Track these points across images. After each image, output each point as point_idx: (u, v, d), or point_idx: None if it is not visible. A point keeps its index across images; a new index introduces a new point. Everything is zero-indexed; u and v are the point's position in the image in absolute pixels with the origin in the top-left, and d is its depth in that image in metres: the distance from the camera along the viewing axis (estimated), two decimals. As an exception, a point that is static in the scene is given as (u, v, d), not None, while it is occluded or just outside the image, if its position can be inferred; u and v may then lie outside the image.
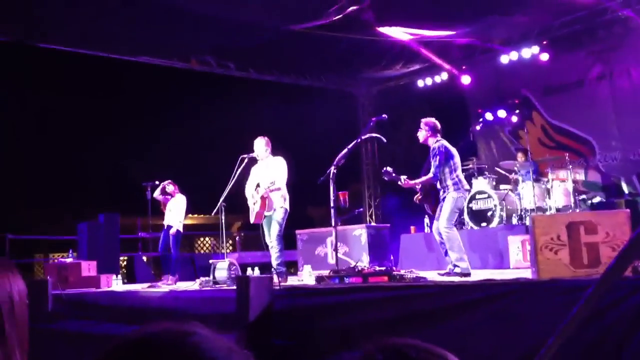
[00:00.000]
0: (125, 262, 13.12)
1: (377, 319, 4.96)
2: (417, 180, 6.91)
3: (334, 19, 9.49)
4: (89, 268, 9.64)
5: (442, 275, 6.49)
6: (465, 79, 12.27)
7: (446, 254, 6.72)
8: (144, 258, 12.59)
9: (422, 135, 6.98)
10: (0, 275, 1.56)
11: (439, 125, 6.99)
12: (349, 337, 5.07)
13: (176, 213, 9.24)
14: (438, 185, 6.86)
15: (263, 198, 7.51)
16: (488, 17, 9.97)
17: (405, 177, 6.92)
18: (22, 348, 1.52)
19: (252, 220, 7.68)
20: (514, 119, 11.92)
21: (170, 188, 9.39)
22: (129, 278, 11.48)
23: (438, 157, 6.77)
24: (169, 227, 9.20)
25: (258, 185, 7.68)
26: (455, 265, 6.54)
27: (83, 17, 9.44)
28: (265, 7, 9.39)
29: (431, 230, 7.25)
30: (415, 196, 7.11)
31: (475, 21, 10.19)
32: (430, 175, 6.77)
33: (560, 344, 1.77)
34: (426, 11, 9.64)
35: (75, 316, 7.96)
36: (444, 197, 6.79)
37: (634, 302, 3.44)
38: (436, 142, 6.88)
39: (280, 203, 7.56)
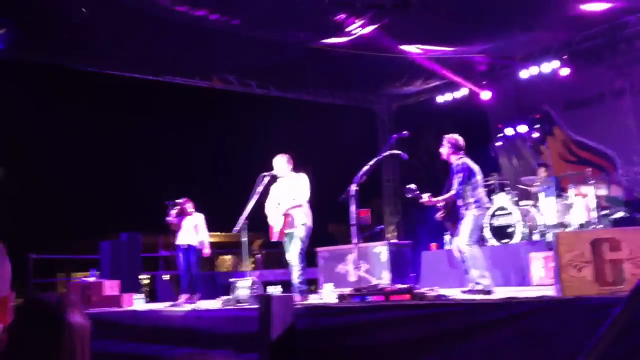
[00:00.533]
0: (147, 281, 13.20)
1: (399, 338, 4.93)
2: (440, 198, 6.87)
3: (355, 36, 9.56)
4: (111, 287, 9.71)
5: (465, 292, 6.45)
6: (486, 95, 12.24)
7: (467, 271, 6.68)
8: (167, 277, 12.65)
9: (444, 151, 6.95)
10: (72, 310, 1.69)
11: (461, 142, 6.96)
12: (371, 357, 5.05)
13: (198, 231, 9.29)
14: (459, 202, 6.82)
15: (285, 215, 7.47)
16: (509, 33, 9.98)
17: (427, 194, 6.89)
18: None
19: (274, 238, 7.66)
20: (535, 134, 11.86)
21: (189, 207, 9.44)
22: (151, 297, 11.54)
23: (461, 174, 6.74)
24: (190, 246, 9.22)
25: (279, 204, 7.66)
26: (477, 283, 6.50)
27: (105, 37, 9.61)
28: (286, 25, 9.48)
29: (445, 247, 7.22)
30: (438, 213, 7.07)
31: (497, 37, 10.19)
32: (453, 192, 6.74)
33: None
34: (447, 28, 9.67)
35: (99, 335, 8.01)
36: (465, 215, 6.77)
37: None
38: (459, 159, 6.85)
39: (303, 220, 7.50)
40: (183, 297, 9.02)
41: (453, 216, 6.94)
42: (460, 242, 6.71)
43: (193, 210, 9.48)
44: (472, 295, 6.21)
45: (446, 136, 7.03)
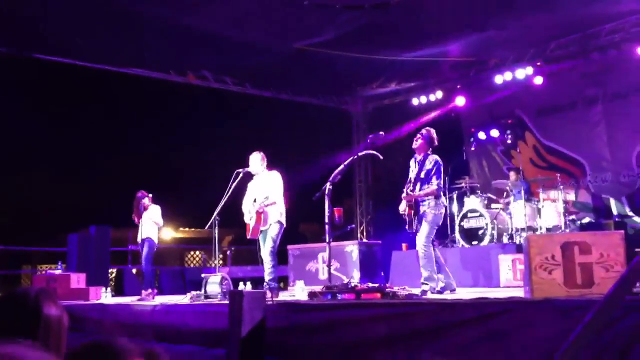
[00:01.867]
0: (114, 275, 13.03)
1: (370, 336, 4.94)
2: (421, 193, 6.81)
3: (333, 36, 9.57)
4: (78, 280, 9.57)
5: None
6: (460, 101, 12.36)
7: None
8: (134, 270, 12.51)
9: (419, 145, 6.95)
10: (48, 302, 1.69)
11: (435, 137, 7.02)
12: (341, 354, 5.05)
13: (154, 224, 9.12)
14: (424, 200, 6.83)
15: (258, 213, 7.51)
16: (485, 37, 10.06)
17: (406, 189, 6.89)
18: None
19: (248, 235, 7.66)
20: (507, 138, 12.00)
21: (146, 201, 9.16)
22: (118, 291, 11.39)
23: (436, 169, 6.78)
24: (144, 240, 9.05)
25: (255, 201, 7.67)
26: (424, 283, 6.60)
27: (83, 29, 9.46)
28: (264, 24, 9.44)
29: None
30: (403, 208, 6.99)
31: (472, 41, 10.28)
32: (434, 187, 6.75)
33: (571, 352, 1.78)
34: (424, 30, 9.72)
35: (64, 328, 7.87)
36: (425, 212, 6.80)
37: (629, 323, 3.45)
38: (432, 155, 6.91)
39: (276, 218, 7.55)
40: (144, 293, 8.78)
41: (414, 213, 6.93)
42: (418, 241, 6.76)
43: (150, 203, 9.20)
44: (423, 295, 6.30)
45: (423, 130, 7.04)
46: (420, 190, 6.83)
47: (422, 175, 6.84)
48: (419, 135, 7.01)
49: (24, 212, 17.15)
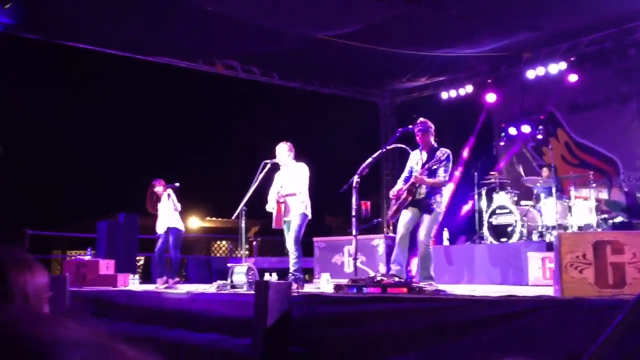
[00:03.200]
0: (142, 262, 13.18)
1: (394, 330, 4.91)
2: (430, 180, 6.60)
3: (362, 27, 9.50)
4: (107, 266, 9.70)
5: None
6: (491, 97, 12.22)
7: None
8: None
9: (427, 137, 6.80)
10: (16, 272, 1.56)
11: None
12: (365, 348, 5.04)
13: (174, 212, 8.94)
14: (432, 195, 6.67)
15: (278, 203, 7.53)
16: (517, 32, 9.92)
17: (418, 172, 6.67)
18: None
19: (273, 225, 7.68)
20: (539, 135, 11.83)
21: (160, 189, 8.99)
22: (146, 278, 11.52)
23: (446, 162, 6.64)
24: (170, 228, 8.91)
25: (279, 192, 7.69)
26: (425, 279, 6.48)
27: (109, 17, 9.52)
28: (293, 13, 9.41)
29: (416, 240, 6.90)
30: (403, 196, 6.76)
31: (504, 37, 10.14)
32: (442, 179, 6.62)
33: (603, 352, 1.74)
34: (455, 26, 9.60)
35: (92, 313, 7.99)
36: (431, 209, 6.63)
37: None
38: (442, 148, 6.81)
39: (300, 209, 7.54)
40: (159, 281, 8.70)
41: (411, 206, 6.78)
42: (424, 237, 6.62)
43: (164, 190, 8.98)
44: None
45: (427, 121, 6.86)
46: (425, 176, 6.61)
47: (434, 166, 6.71)
48: (426, 128, 6.78)
49: (55, 198, 17.44)
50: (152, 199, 8.99)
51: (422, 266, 6.62)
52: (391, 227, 14.03)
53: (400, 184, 6.98)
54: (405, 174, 7.03)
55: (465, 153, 12.69)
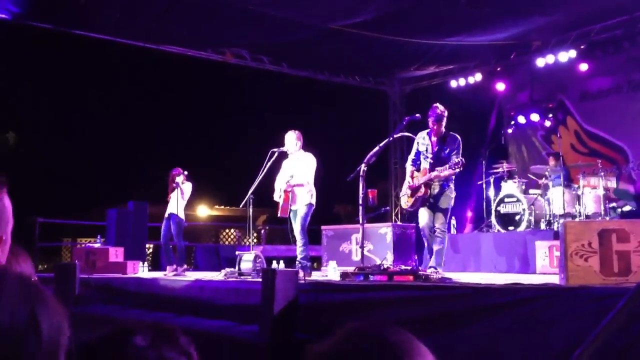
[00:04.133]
0: (151, 250, 13.27)
1: (401, 318, 4.94)
2: (447, 173, 6.56)
3: (371, 17, 9.46)
4: (116, 254, 9.79)
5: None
6: (500, 86, 12.17)
7: (431, 252, 6.64)
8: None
9: (441, 123, 6.75)
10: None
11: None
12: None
13: (182, 201, 8.99)
14: (445, 182, 6.67)
15: (286, 192, 7.57)
16: (527, 20, 9.86)
17: (442, 167, 6.62)
18: None
19: (278, 213, 7.72)
20: (547, 123, 11.78)
21: (181, 178, 8.98)
22: (155, 265, 11.61)
23: (457, 149, 6.64)
24: (172, 215, 8.94)
25: (288, 180, 7.71)
26: (436, 268, 6.49)
27: (119, 5, 9.54)
28: (303, 3, 9.39)
29: (423, 229, 6.90)
30: (421, 192, 6.74)
31: (514, 24, 10.07)
32: (451, 173, 6.57)
33: (594, 348, 1.77)
34: (464, 14, 9.55)
35: (102, 300, 8.08)
36: (444, 194, 6.65)
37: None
38: (453, 133, 6.79)
39: (306, 199, 7.58)
40: (179, 269, 8.74)
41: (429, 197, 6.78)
42: (441, 223, 6.63)
43: (184, 181, 9.00)
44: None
45: (442, 108, 6.80)
46: (441, 169, 6.58)
47: (444, 153, 6.67)
48: (442, 113, 6.73)
49: (65, 186, 17.55)
50: (171, 185, 9.02)
51: (436, 254, 6.63)
52: (399, 216, 14.07)
53: (409, 168, 6.96)
54: (412, 156, 7.01)
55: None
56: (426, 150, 6.84)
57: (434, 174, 6.60)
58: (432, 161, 6.72)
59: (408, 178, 6.94)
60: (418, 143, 6.96)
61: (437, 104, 6.87)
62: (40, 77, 14.64)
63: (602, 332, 1.47)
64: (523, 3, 9.31)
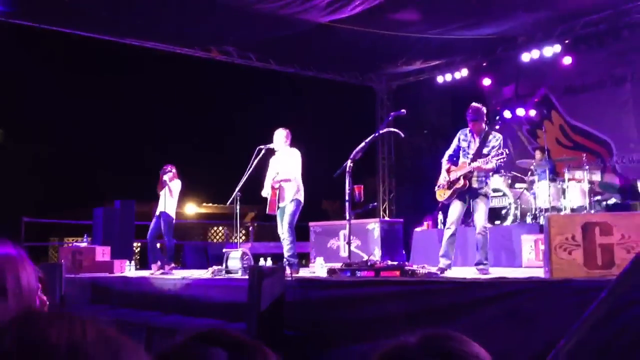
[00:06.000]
0: (139, 249, 13.22)
1: (388, 313, 4.97)
2: (488, 167, 6.46)
3: (358, 11, 9.46)
4: (103, 253, 9.75)
5: (481, 272, 6.37)
6: (486, 81, 12.22)
7: (477, 249, 6.63)
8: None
9: (480, 122, 6.68)
10: (8, 266, 1.56)
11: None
12: (359, 331, 5.09)
13: (170, 198, 8.95)
14: (482, 179, 6.62)
15: (273, 189, 7.56)
16: (513, 14, 9.89)
17: (479, 161, 6.50)
18: None
19: (267, 211, 7.72)
20: (532, 115, 11.85)
21: (168, 176, 8.96)
22: (142, 264, 11.56)
23: (498, 148, 6.50)
24: (162, 213, 8.90)
25: (274, 177, 7.71)
26: (485, 263, 6.50)
27: (105, 3, 9.48)
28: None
29: (451, 223, 6.72)
30: (460, 184, 6.63)
31: (500, 19, 10.10)
32: (493, 166, 6.47)
33: (574, 343, 1.77)
34: (451, 8, 9.58)
35: (88, 300, 8.05)
36: (482, 190, 6.60)
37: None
38: (495, 132, 6.76)
39: (293, 195, 7.57)
40: (154, 267, 8.70)
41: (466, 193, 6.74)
42: (483, 222, 6.57)
43: (173, 178, 9.00)
44: (485, 275, 6.16)
45: (479, 107, 6.73)
46: (483, 161, 6.47)
47: (485, 151, 6.59)
48: (481, 114, 6.69)
49: (51, 185, 17.44)
50: (161, 182, 8.97)
51: (480, 251, 6.56)
52: (387, 211, 14.12)
53: (445, 164, 6.87)
54: (450, 152, 6.90)
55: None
56: (468, 147, 6.77)
57: (475, 164, 6.48)
58: (472, 157, 6.65)
59: (444, 172, 6.86)
60: (459, 139, 6.86)
61: (473, 103, 6.85)
62: (28, 75, 14.53)
63: (581, 326, 1.48)
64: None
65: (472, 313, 4.45)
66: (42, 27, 10.40)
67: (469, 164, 6.58)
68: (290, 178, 7.53)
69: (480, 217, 6.59)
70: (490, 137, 6.70)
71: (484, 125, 6.76)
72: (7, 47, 12.08)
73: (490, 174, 6.83)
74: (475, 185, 6.60)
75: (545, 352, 3.50)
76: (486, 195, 6.68)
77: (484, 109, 6.80)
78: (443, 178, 6.84)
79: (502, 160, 6.35)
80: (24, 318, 0.84)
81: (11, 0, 9.08)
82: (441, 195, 6.85)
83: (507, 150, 6.48)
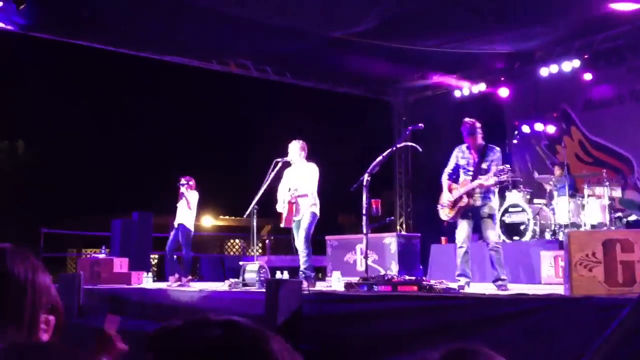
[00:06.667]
0: (156, 260, 13.27)
1: (405, 328, 4.94)
2: (490, 182, 6.45)
3: (374, 26, 9.49)
4: (120, 264, 9.80)
5: (501, 288, 6.32)
6: (504, 92, 12.16)
7: (492, 266, 6.58)
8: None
9: (475, 136, 6.70)
10: (24, 265, 1.55)
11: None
12: (375, 346, 5.06)
13: (187, 210, 8.97)
14: (486, 194, 6.63)
15: (290, 203, 7.55)
16: (531, 29, 9.87)
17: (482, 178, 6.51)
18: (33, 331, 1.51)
19: (282, 224, 7.72)
20: (551, 131, 11.77)
21: (184, 188, 8.99)
22: (160, 276, 11.61)
23: (497, 162, 6.53)
24: (181, 225, 8.94)
25: (289, 189, 7.71)
26: (504, 279, 6.44)
27: (123, 16, 9.60)
28: (306, 13, 9.43)
29: (462, 243, 6.78)
30: (464, 203, 6.63)
31: (518, 34, 10.09)
32: (495, 181, 6.44)
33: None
34: (468, 22, 9.58)
35: (107, 311, 8.08)
36: (487, 205, 6.56)
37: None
38: (493, 145, 6.73)
39: (309, 209, 7.56)
40: (172, 279, 8.73)
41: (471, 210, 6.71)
42: (494, 238, 6.57)
43: (190, 190, 9.05)
44: (504, 291, 6.10)
45: (473, 122, 6.73)
46: (485, 178, 6.46)
47: (484, 166, 6.59)
48: (478, 129, 6.70)
49: (69, 196, 17.60)
50: (180, 194, 9.03)
51: (496, 267, 6.50)
52: (404, 226, 14.06)
53: (446, 182, 6.84)
54: (449, 169, 6.88)
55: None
56: (467, 164, 6.74)
57: (477, 182, 6.46)
58: (473, 174, 6.63)
59: (446, 191, 6.82)
60: (457, 157, 6.84)
61: (466, 118, 6.85)
62: (49, 87, 14.72)
63: (603, 344, 1.46)
64: (527, 13, 9.32)
65: (492, 330, 4.41)
66: (59, 40, 10.54)
67: (471, 181, 6.56)
68: (307, 193, 7.53)
69: (490, 233, 6.57)
70: (488, 151, 6.67)
71: (480, 139, 6.74)
72: (27, 60, 12.27)
73: (494, 189, 6.79)
74: (478, 202, 6.57)
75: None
76: (492, 211, 6.63)
77: (478, 124, 6.77)
78: (445, 197, 6.82)
79: (505, 176, 6.31)
80: None
81: (27, 13, 9.21)
82: (445, 214, 6.83)
83: (508, 166, 6.42)
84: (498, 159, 6.59)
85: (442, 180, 6.93)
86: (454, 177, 6.87)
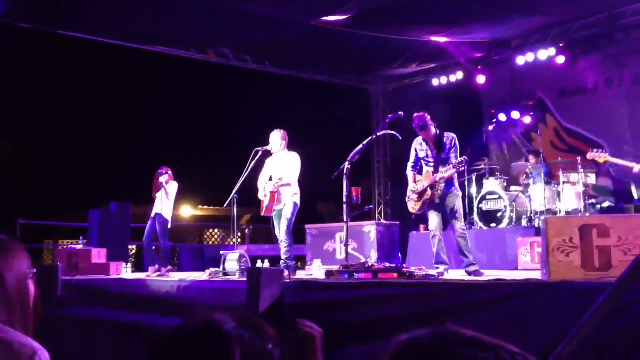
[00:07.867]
0: (134, 251, 13.20)
1: (386, 315, 4.98)
2: (450, 173, 6.66)
3: (353, 14, 9.48)
4: (99, 255, 9.73)
5: (471, 274, 6.48)
6: (481, 79, 12.25)
7: (462, 253, 6.73)
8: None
9: (428, 129, 6.86)
10: (4, 256, 1.58)
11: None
12: (357, 333, 5.10)
13: (166, 200, 8.92)
14: (450, 182, 6.80)
15: (272, 193, 7.57)
16: (508, 17, 9.94)
17: (447, 168, 6.69)
18: (25, 322, 1.54)
19: (262, 213, 7.73)
20: (527, 120, 11.90)
21: (165, 178, 8.94)
22: (139, 266, 11.55)
23: (455, 148, 6.77)
24: (158, 215, 8.90)
25: (271, 179, 7.72)
26: (473, 264, 6.61)
27: (99, 6, 9.48)
28: (286, 0, 9.39)
29: (434, 233, 6.94)
30: (428, 195, 6.90)
31: (495, 22, 10.16)
32: (455, 172, 6.69)
33: (576, 344, 1.81)
34: (447, 10, 9.62)
35: (85, 302, 8.03)
36: (450, 194, 6.77)
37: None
38: (447, 132, 6.88)
39: (290, 198, 7.60)
40: (151, 269, 8.70)
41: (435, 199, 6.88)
42: (459, 224, 6.76)
43: (169, 180, 8.99)
44: (477, 277, 6.25)
45: (423, 115, 6.88)
46: (445, 170, 6.67)
47: (444, 156, 6.79)
48: (429, 121, 6.85)
49: (46, 187, 17.39)
50: (157, 185, 8.95)
51: (465, 253, 6.71)
52: (382, 214, 14.13)
53: (410, 174, 7.06)
54: (411, 162, 7.10)
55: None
56: (427, 156, 6.97)
57: (438, 176, 6.70)
58: (434, 165, 6.84)
59: (412, 183, 7.02)
60: (416, 150, 7.06)
61: (415, 113, 7.00)
62: (24, 78, 14.51)
63: (582, 328, 1.51)
64: (505, 1, 9.39)
65: (471, 315, 4.46)
66: (38, 29, 10.39)
67: (433, 172, 6.75)
68: (290, 182, 7.56)
69: (455, 222, 6.77)
70: (444, 140, 6.82)
71: (433, 130, 6.88)
72: (8, 49, 12.08)
73: (456, 175, 6.92)
74: (441, 193, 6.79)
75: (545, 353, 3.53)
76: (456, 199, 6.81)
77: (428, 116, 6.92)
78: (410, 190, 7.04)
79: (463, 166, 6.58)
80: None
81: (6, 2, 9.06)
82: (412, 207, 7.04)
83: (465, 157, 6.64)
84: (456, 147, 6.79)
85: (407, 172, 7.15)
86: (418, 167, 7.10)
